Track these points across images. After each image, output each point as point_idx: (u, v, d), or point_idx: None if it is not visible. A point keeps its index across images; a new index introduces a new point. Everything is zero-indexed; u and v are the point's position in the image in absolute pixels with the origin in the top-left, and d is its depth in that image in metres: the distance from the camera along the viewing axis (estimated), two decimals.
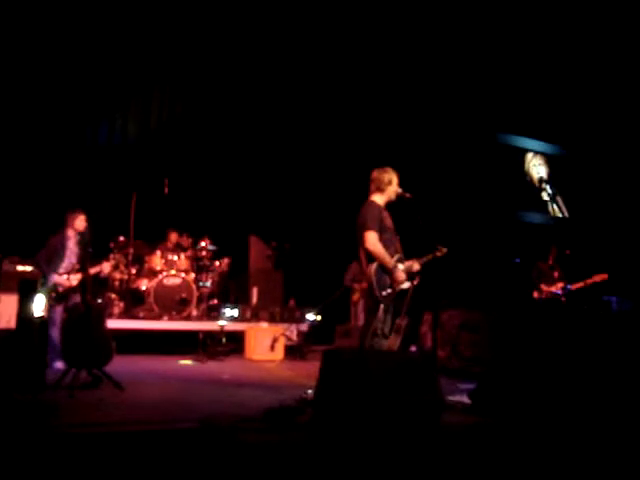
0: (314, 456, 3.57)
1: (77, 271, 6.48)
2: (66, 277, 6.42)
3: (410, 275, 5.12)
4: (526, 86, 10.65)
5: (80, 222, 6.56)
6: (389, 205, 5.23)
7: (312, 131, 10.52)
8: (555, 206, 12.22)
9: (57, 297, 6.33)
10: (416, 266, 5.15)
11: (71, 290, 6.41)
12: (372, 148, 9.68)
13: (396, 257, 5.05)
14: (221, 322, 8.30)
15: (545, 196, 12.23)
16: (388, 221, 5.12)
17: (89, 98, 9.49)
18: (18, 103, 8.80)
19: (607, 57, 9.96)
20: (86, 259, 6.17)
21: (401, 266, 5.02)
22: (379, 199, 5.16)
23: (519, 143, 11.92)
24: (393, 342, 5.09)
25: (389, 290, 4.93)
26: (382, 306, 4.91)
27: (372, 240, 4.91)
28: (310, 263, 10.15)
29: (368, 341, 4.95)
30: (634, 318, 7.37)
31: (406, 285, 5.03)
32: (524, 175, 11.98)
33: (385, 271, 4.93)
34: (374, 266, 4.93)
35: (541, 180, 12.21)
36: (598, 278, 7.77)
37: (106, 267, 6.75)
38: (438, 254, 5.22)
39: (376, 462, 3.49)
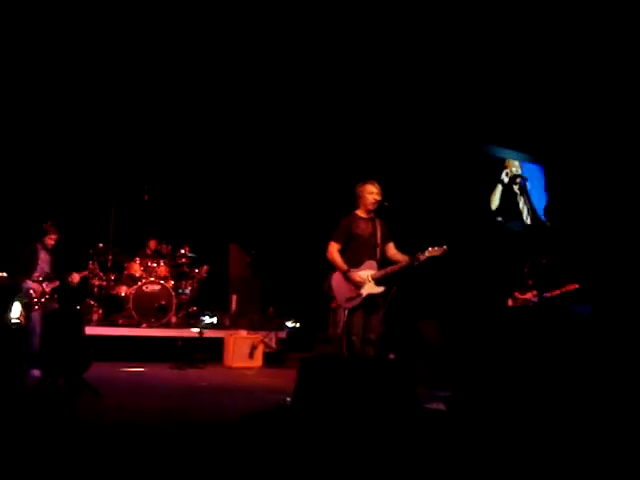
0: (292, 462, 3.61)
1: (51, 279, 6.47)
2: (38, 283, 6.40)
3: (380, 281, 5.21)
4: (509, 98, 10.80)
5: (48, 240, 6.60)
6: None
7: (292, 141, 10.57)
8: (528, 214, 12.41)
9: (32, 304, 6.29)
10: (403, 263, 5.20)
11: (46, 297, 6.38)
12: (351, 157, 9.76)
13: (366, 263, 5.18)
14: (200, 329, 8.30)
15: (521, 204, 12.42)
16: (361, 230, 5.26)
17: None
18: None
19: (585, 70, 10.15)
20: (62, 267, 6.15)
21: (365, 272, 5.14)
22: (359, 210, 5.38)
23: (500, 154, 12.10)
24: (369, 349, 5.17)
25: (353, 295, 5.09)
26: (346, 312, 5.15)
27: (328, 249, 5.29)
28: (289, 271, 10.18)
29: (345, 348, 5.04)
30: (604, 324, 7.50)
31: (374, 290, 5.15)
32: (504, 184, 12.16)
33: (347, 278, 5.14)
34: (334, 274, 5.22)
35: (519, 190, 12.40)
36: (571, 287, 7.91)
37: (75, 277, 6.75)
38: (435, 253, 5.23)
39: (353, 467, 3.54)
